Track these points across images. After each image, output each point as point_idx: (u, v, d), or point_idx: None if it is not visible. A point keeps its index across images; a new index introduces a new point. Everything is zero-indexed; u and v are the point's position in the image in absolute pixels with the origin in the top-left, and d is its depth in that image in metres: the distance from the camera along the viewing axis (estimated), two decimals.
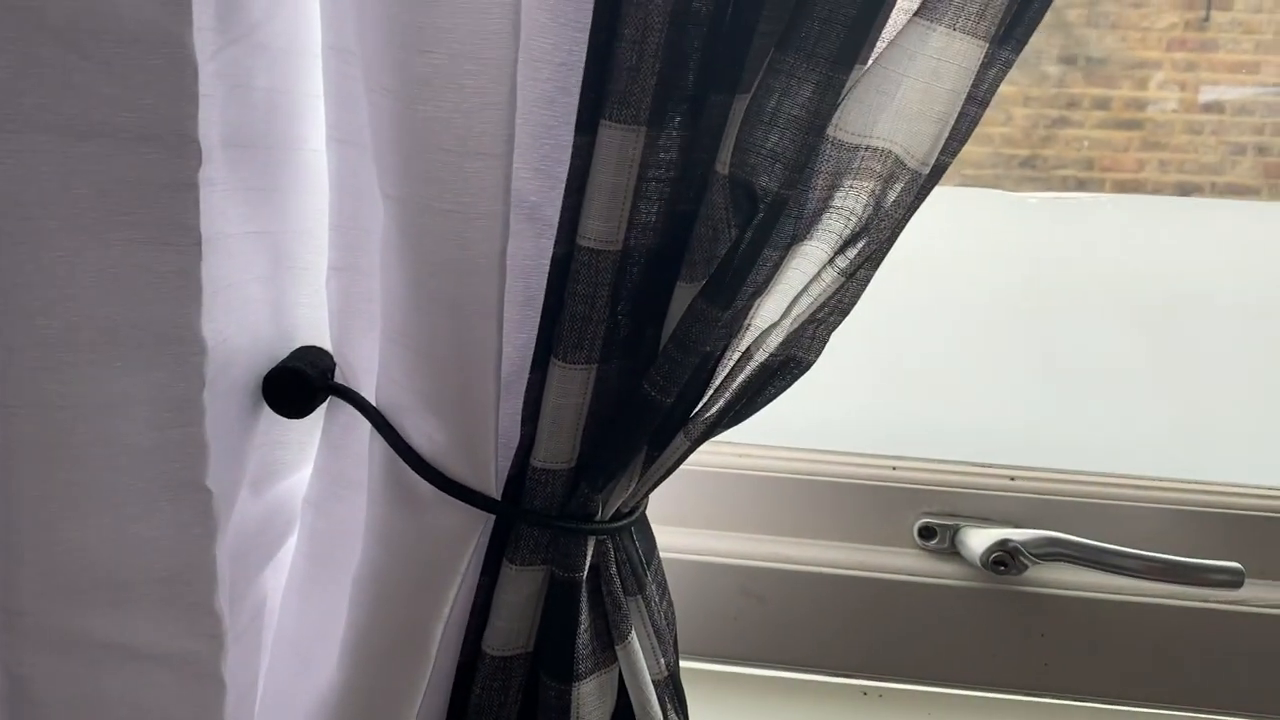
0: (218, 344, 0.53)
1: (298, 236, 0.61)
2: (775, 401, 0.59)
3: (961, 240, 1.11)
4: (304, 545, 0.64)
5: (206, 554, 0.54)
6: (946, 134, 0.52)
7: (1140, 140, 1.46)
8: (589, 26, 0.50)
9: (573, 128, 0.51)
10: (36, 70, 0.47)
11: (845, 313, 0.57)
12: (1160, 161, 1.46)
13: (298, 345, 0.62)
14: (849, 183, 0.53)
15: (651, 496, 0.62)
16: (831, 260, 0.54)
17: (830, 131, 0.52)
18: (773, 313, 0.56)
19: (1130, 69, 1.45)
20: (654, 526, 0.66)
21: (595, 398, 0.56)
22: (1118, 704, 0.83)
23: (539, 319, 0.55)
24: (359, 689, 0.60)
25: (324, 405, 0.61)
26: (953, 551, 0.83)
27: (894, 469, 0.85)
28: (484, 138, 0.50)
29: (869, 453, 0.86)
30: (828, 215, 0.54)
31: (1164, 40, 1.44)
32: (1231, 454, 0.98)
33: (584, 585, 0.59)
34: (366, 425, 0.58)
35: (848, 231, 0.54)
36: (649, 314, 0.56)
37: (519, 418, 0.57)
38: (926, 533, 0.83)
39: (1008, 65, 0.53)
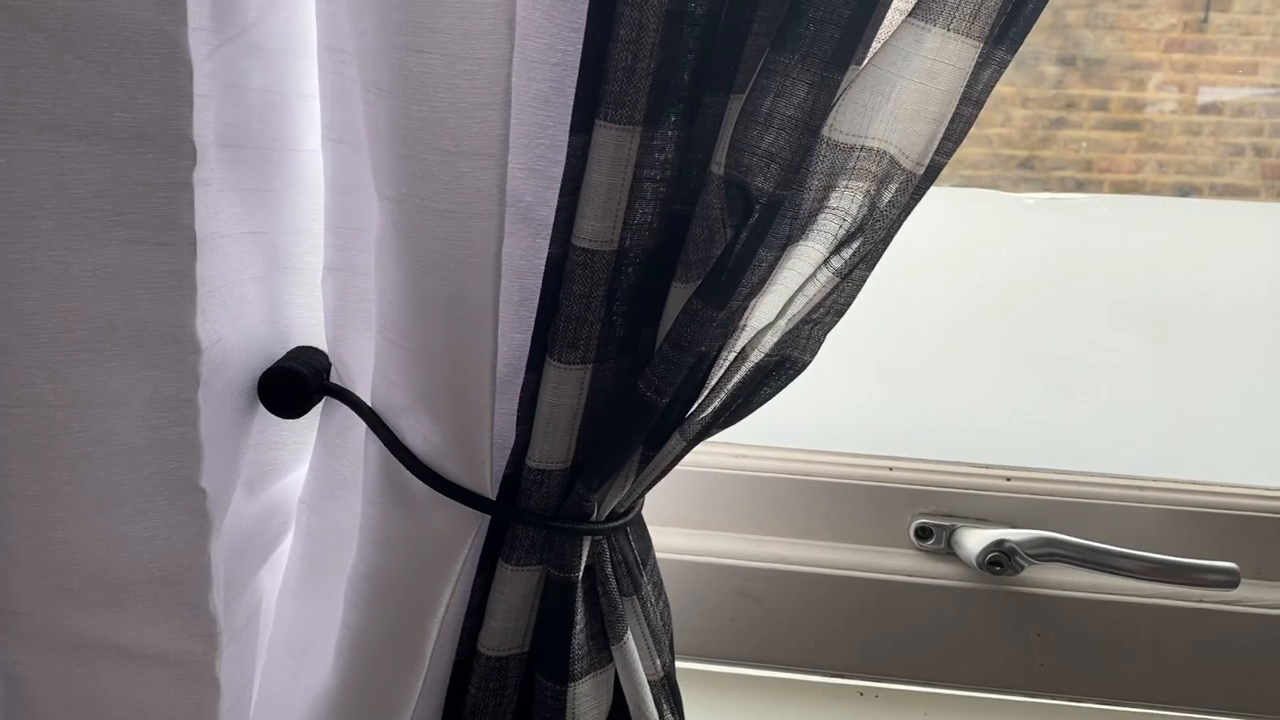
0: (213, 344, 0.53)
1: (293, 236, 0.61)
2: (771, 402, 0.59)
3: (957, 240, 1.11)
4: (299, 545, 0.64)
5: (201, 554, 0.54)
6: (941, 134, 0.52)
7: (1139, 141, 1.46)
8: (584, 27, 0.50)
9: (568, 128, 0.51)
10: (31, 70, 0.47)
11: (841, 313, 0.57)
12: (1159, 162, 1.46)
13: (293, 345, 0.62)
14: (844, 183, 0.53)
15: (647, 497, 0.62)
16: (827, 261, 0.54)
17: (825, 132, 0.52)
18: (768, 313, 0.56)
19: (1128, 70, 1.45)
20: (650, 527, 0.66)
21: (591, 398, 0.56)
22: (1113, 704, 0.83)
23: (534, 319, 0.55)
24: (354, 689, 0.60)
25: (319, 405, 0.61)
26: (949, 552, 0.83)
27: (890, 469, 0.85)
28: (479, 138, 0.50)
29: (865, 453, 0.86)
30: (823, 216, 0.54)
31: (1162, 41, 1.44)
32: (1228, 455, 0.98)
33: (579, 585, 0.59)
34: (362, 425, 0.58)
35: (843, 232, 0.54)
36: (644, 314, 0.56)
37: (514, 418, 0.57)
38: (923, 533, 0.83)
39: (1003, 66, 0.52)
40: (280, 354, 0.61)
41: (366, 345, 0.58)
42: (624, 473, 0.58)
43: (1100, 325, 1.08)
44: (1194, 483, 0.84)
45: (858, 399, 1.01)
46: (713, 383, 0.57)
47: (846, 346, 0.68)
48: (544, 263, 0.54)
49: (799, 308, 0.55)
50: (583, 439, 0.57)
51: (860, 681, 0.85)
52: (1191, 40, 1.44)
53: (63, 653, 0.54)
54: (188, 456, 0.53)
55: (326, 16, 0.55)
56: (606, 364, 0.55)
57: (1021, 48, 0.53)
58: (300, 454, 0.65)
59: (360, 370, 0.59)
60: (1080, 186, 1.48)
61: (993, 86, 0.53)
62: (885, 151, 0.52)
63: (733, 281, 0.53)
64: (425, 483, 0.56)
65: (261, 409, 0.59)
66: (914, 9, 0.51)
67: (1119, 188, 1.46)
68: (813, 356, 0.58)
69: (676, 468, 0.60)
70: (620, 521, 0.60)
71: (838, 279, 0.55)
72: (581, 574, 0.58)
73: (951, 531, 0.83)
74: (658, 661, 0.63)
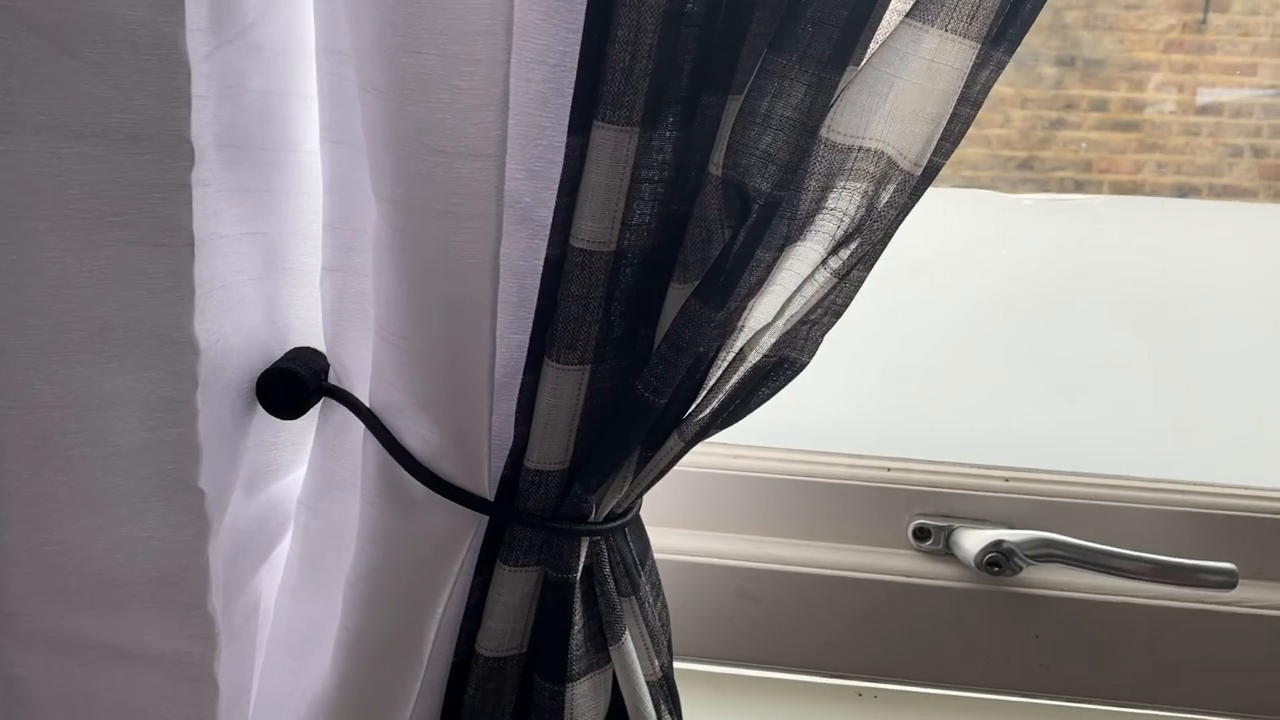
0: (211, 345, 0.53)
1: (291, 237, 0.61)
2: (769, 402, 0.59)
3: (956, 241, 1.11)
4: (298, 546, 0.64)
5: (199, 555, 0.54)
6: (939, 135, 0.53)
7: (1138, 142, 1.46)
8: (582, 27, 0.50)
9: (565, 128, 0.51)
10: (28, 71, 0.47)
11: (839, 314, 0.57)
12: (1158, 163, 1.46)
13: (291, 346, 0.62)
14: (842, 184, 0.53)
15: (646, 497, 0.62)
16: (824, 261, 0.54)
17: (823, 133, 0.52)
18: (766, 314, 0.56)
19: (1128, 71, 1.45)
20: (648, 527, 0.66)
21: (589, 399, 0.56)
22: (1112, 705, 0.83)
23: (532, 320, 0.55)
24: (353, 690, 0.60)
25: (318, 406, 0.61)
26: (947, 553, 0.83)
27: (889, 470, 0.85)
28: (476, 138, 0.50)
29: (864, 454, 0.86)
30: (821, 216, 0.54)
31: (1161, 42, 1.44)
32: (1226, 455, 0.98)
33: (578, 586, 0.59)
34: (360, 426, 0.58)
35: (841, 233, 0.54)
36: (642, 315, 0.56)
37: (513, 419, 0.57)
38: (921, 534, 0.83)
39: (1000, 67, 0.53)
40: (278, 355, 0.61)
41: (365, 346, 0.58)
42: (622, 473, 0.58)
43: (1099, 326, 1.08)
44: (1192, 483, 0.84)
45: (856, 400, 1.01)
46: (711, 383, 0.57)
47: (845, 347, 0.68)
48: (542, 263, 0.54)
49: (797, 308, 0.55)
50: (581, 440, 0.57)
51: (859, 682, 0.85)
52: (1190, 41, 1.44)
53: (60, 653, 0.54)
54: (186, 457, 0.53)
55: (325, 17, 0.55)
56: (604, 365, 0.55)
57: (1021, 48, 0.53)
58: (298, 454, 0.65)
59: (358, 371, 0.59)
60: (1080, 187, 1.48)
61: (990, 87, 0.53)
62: (883, 152, 0.52)
63: (730, 282, 0.53)
64: (423, 483, 0.56)
65: (260, 410, 0.59)
66: (912, 10, 0.51)
67: (1118, 188, 1.46)
68: (811, 357, 0.58)
69: (675, 468, 0.60)
70: (618, 522, 0.60)
71: (836, 279, 0.55)
72: (579, 575, 0.58)
73: (950, 532, 0.83)
74: (656, 662, 0.63)
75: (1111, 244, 1.17)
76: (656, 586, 0.66)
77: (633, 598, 0.61)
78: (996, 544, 0.79)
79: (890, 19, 0.52)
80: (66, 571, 0.53)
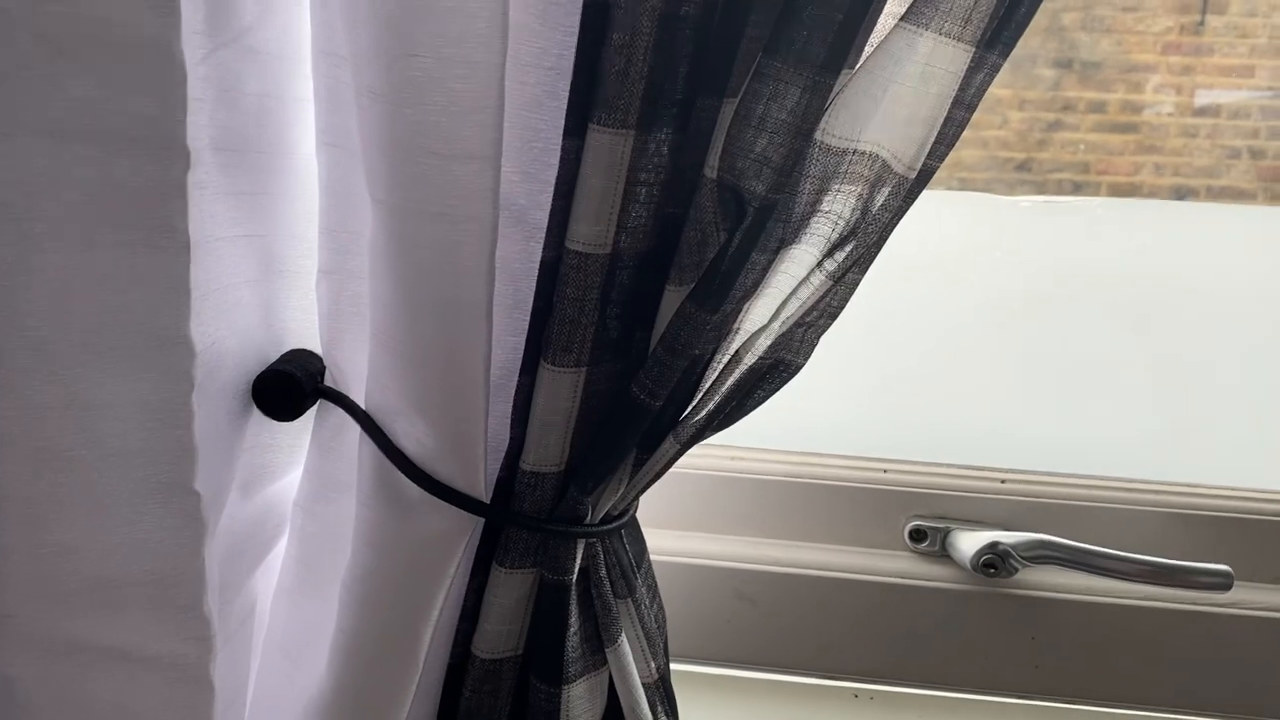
0: (207, 347, 0.53)
1: (288, 240, 0.61)
2: (766, 404, 0.59)
3: (952, 244, 1.11)
4: (294, 548, 0.64)
5: (195, 557, 0.54)
6: (934, 138, 0.53)
7: (1136, 144, 1.46)
8: (577, 31, 0.50)
9: (561, 131, 0.52)
10: (25, 74, 0.47)
11: (834, 316, 0.57)
12: (1155, 165, 1.46)
13: (288, 348, 0.62)
14: (837, 187, 0.53)
15: (642, 499, 0.63)
16: (820, 264, 0.55)
17: (818, 136, 0.52)
18: (761, 316, 0.56)
19: (1125, 73, 1.45)
20: (645, 529, 0.66)
21: (584, 401, 0.56)
22: (1107, 706, 0.83)
23: (528, 323, 0.55)
24: (348, 692, 0.60)
25: (314, 408, 0.61)
26: (943, 554, 0.83)
27: (885, 471, 0.85)
28: (472, 141, 0.50)
29: (860, 455, 0.86)
30: (816, 219, 0.54)
31: (1159, 44, 1.44)
32: (1223, 457, 0.98)
33: (574, 588, 0.59)
34: (356, 428, 0.59)
35: (835, 235, 0.54)
36: (638, 317, 0.56)
37: (508, 421, 0.57)
38: (917, 535, 0.83)
39: (995, 69, 0.53)
40: (275, 357, 0.61)
41: (361, 348, 0.58)
42: (618, 476, 0.58)
43: (1095, 328, 1.08)
44: (1188, 485, 0.85)
45: (852, 401, 1.01)
46: (706, 386, 0.57)
47: (841, 349, 0.68)
48: (537, 266, 0.54)
49: (792, 311, 0.56)
50: (576, 442, 0.57)
51: (855, 683, 0.85)
52: (1188, 43, 1.44)
53: (57, 656, 0.54)
54: (182, 459, 0.53)
55: (321, 21, 0.56)
56: (600, 367, 0.55)
57: (1019, 50, 0.53)
58: (295, 457, 0.65)
59: (354, 373, 0.59)
60: (1077, 188, 1.48)
61: (985, 90, 0.53)
62: (877, 155, 0.52)
63: (726, 285, 0.53)
64: (419, 485, 0.56)
65: (256, 412, 0.59)
66: (906, 13, 0.51)
67: (1116, 190, 1.47)
68: (806, 359, 0.58)
69: (671, 470, 0.60)
70: (614, 524, 0.60)
71: (831, 282, 0.55)
72: (575, 577, 0.59)
73: (946, 534, 0.83)
74: (652, 664, 0.63)
75: (1107, 246, 1.17)
76: (653, 588, 0.66)
77: (629, 600, 0.61)
78: (992, 545, 0.79)
79: (885, 22, 0.52)
80: (64, 574, 0.53)
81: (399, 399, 0.56)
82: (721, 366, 0.57)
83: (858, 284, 0.56)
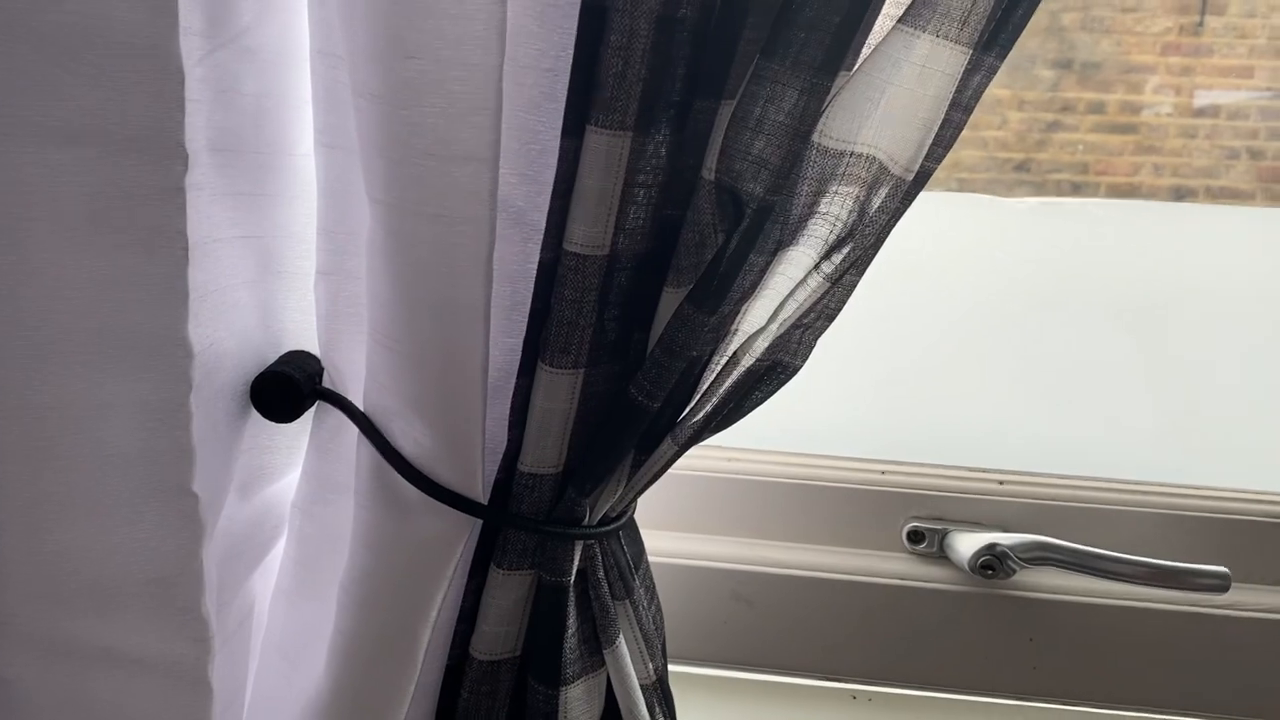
0: (205, 348, 0.53)
1: (286, 241, 0.61)
2: (764, 406, 0.59)
3: (950, 245, 1.11)
4: (292, 549, 0.64)
5: (193, 558, 0.54)
6: (931, 140, 0.53)
7: (1135, 144, 1.46)
8: (575, 32, 0.50)
9: (559, 133, 0.52)
10: (23, 76, 0.47)
11: (832, 318, 0.57)
12: (1154, 165, 1.46)
13: (285, 349, 0.62)
14: (834, 189, 0.53)
15: (640, 500, 0.63)
16: (817, 266, 0.55)
17: (815, 138, 0.52)
18: (759, 318, 0.56)
19: (1125, 73, 1.45)
20: (643, 530, 0.66)
21: (582, 402, 0.56)
22: (1105, 707, 0.83)
23: (526, 324, 0.55)
24: (346, 693, 0.60)
25: (312, 410, 0.61)
26: (941, 556, 0.83)
27: (883, 473, 0.85)
28: (470, 143, 0.50)
29: (858, 457, 0.86)
30: (813, 221, 0.54)
31: (1158, 44, 1.44)
32: (1221, 459, 0.98)
33: (571, 590, 0.59)
34: (354, 430, 0.59)
35: (833, 237, 0.54)
36: (636, 319, 0.56)
37: (506, 422, 0.57)
38: (915, 537, 0.83)
39: (992, 72, 0.53)
40: (273, 358, 0.61)
41: (359, 349, 0.58)
42: (616, 477, 0.58)
43: (1093, 329, 1.08)
44: (1185, 486, 0.85)
45: (850, 403, 1.01)
46: (704, 387, 0.57)
47: (839, 350, 0.68)
48: (535, 267, 0.54)
49: (790, 312, 0.56)
50: (574, 443, 0.57)
51: (853, 685, 0.85)
52: (1187, 44, 1.44)
53: (55, 658, 0.54)
54: (180, 461, 0.53)
55: (319, 21, 0.56)
56: (598, 369, 0.55)
57: (1018, 51, 0.53)
58: (293, 458, 0.65)
59: (353, 374, 0.59)
60: (1076, 189, 1.48)
61: (982, 92, 0.53)
62: (874, 157, 0.53)
63: (724, 286, 0.53)
64: (417, 487, 0.56)
65: (254, 413, 0.59)
66: (904, 15, 0.51)
67: (1115, 190, 1.47)
68: (804, 361, 0.58)
69: (669, 471, 0.60)
70: (612, 526, 0.60)
71: (828, 284, 0.55)
72: (573, 578, 0.59)
73: (944, 535, 0.83)
74: (650, 665, 0.63)
75: (1106, 247, 1.17)
76: (651, 590, 0.66)
77: (627, 601, 0.61)
78: (990, 547, 0.79)
79: (882, 25, 0.52)
80: (63, 575, 0.53)
81: (397, 400, 0.56)
82: (719, 368, 0.57)
83: (855, 286, 0.56)
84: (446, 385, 0.55)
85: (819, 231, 0.54)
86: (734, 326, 0.56)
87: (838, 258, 0.54)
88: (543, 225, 0.53)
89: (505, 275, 0.54)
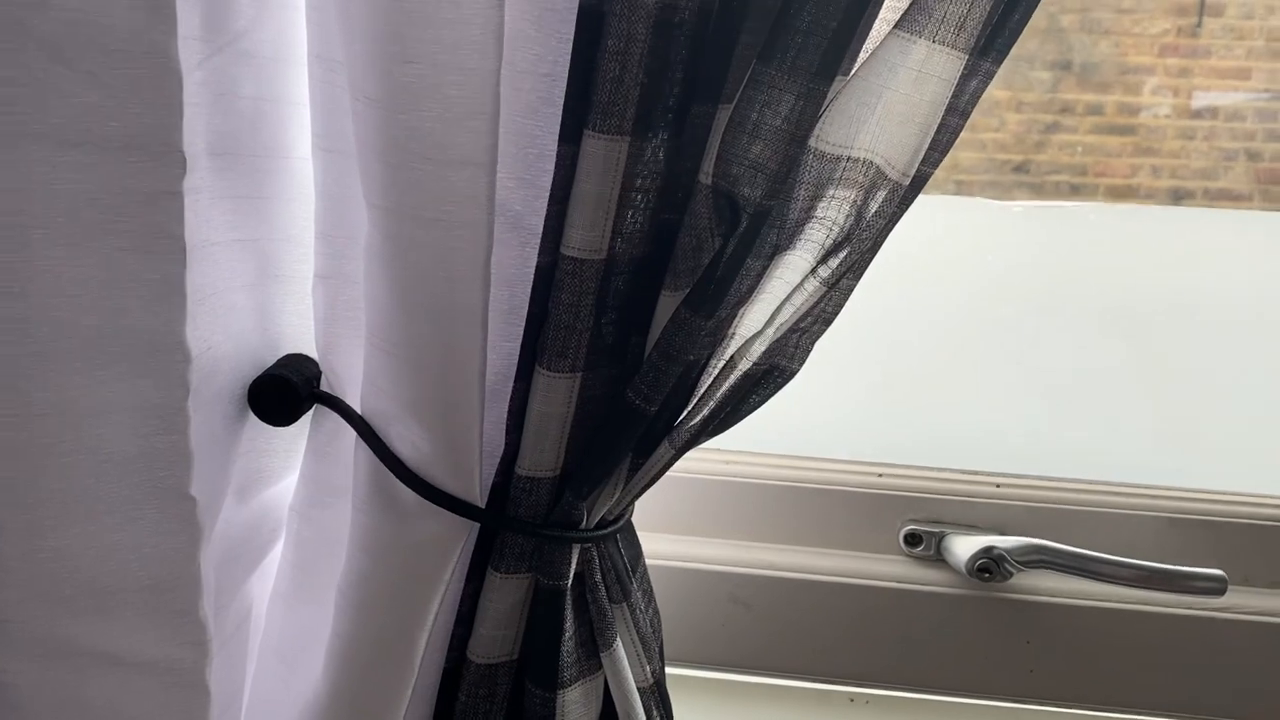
0: (203, 352, 0.53)
1: (284, 244, 0.61)
2: (761, 409, 0.59)
3: (947, 248, 1.12)
4: (290, 552, 0.64)
5: (191, 562, 0.54)
6: (927, 145, 0.53)
7: (1133, 146, 1.46)
8: (573, 37, 0.50)
9: (556, 138, 0.52)
10: (22, 79, 0.47)
11: (829, 322, 0.57)
12: (1153, 167, 1.47)
13: (283, 353, 0.62)
14: (831, 193, 0.53)
15: (638, 503, 0.63)
16: (814, 270, 0.55)
17: (812, 142, 0.52)
18: (756, 322, 0.56)
19: (1123, 75, 1.45)
20: (640, 533, 0.66)
21: (580, 406, 0.56)
22: (1102, 710, 0.83)
23: (523, 328, 0.55)
24: (344, 696, 0.60)
25: (310, 413, 0.61)
26: (938, 558, 0.83)
27: (880, 476, 0.85)
28: (468, 147, 0.50)
29: (855, 460, 0.86)
30: (810, 225, 0.54)
31: (1156, 46, 1.45)
32: (1217, 461, 0.98)
33: (569, 593, 0.59)
34: (352, 433, 0.59)
35: (830, 241, 0.54)
36: (633, 323, 0.56)
37: (504, 426, 0.57)
38: (912, 539, 0.84)
39: (989, 76, 0.53)
40: (270, 362, 0.61)
41: (357, 353, 0.58)
42: (613, 481, 0.58)
43: (1089, 332, 1.08)
44: (1182, 489, 0.85)
45: (847, 406, 1.02)
46: (701, 391, 0.57)
47: (836, 354, 0.68)
48: (533, 271, 0.54)
49: (787, 316, 0.56)
50: (572, 447, 0.57)
51: (850, 688, 0.85)
52: (1185, 45, 1.44)
53: (53, 660, 0.54)
54: (177, 464, 0.53)
55: (316, 25, 0.56)
56: (595, 372, 0.56)
57: (1016, 52, 0.53)
58: (290, 461, 0.65)
59: (350, 378, 0.59)
60: (1075, 191, 1.48)
61: (979, 97, 0.53)
62: (871, 162, 0.53)
63: (721, 290, 0.53)
64: (414, 491, 0.56)
65: (252, 416, 0.59)
66: (900, 21, 0.51)
67: (1114, 192, 1.47)
68: (801, 365, 0.58)
69: (666, 474, 0.60)
70: (609, 529, 0.60)
71: (825, 288, 0.55)
72: (571, 582, 0.59)
73: (941, 538, 0.83)
74: (647, 668, 0.63)
75: (1102, 251, 1.17)
76: (648, 593, 0.66)
77: (624, 604, 0.61)
78: (987, 550, 0.79)
79: (879, 29, 0.52)
80: (60, 578, 0.53)
81: (394, 404, 0.56)
82: (716, 372, 0.57)
83: (852, 290, 0.56)
84: (444, 389, 0.55)
85: (816, 236, 0.54)
86: (731, 330, 0.56)
87: (834, 262, 0.54)
88: (540, 229, 0.53)
89: (503, 279, 0.54)
